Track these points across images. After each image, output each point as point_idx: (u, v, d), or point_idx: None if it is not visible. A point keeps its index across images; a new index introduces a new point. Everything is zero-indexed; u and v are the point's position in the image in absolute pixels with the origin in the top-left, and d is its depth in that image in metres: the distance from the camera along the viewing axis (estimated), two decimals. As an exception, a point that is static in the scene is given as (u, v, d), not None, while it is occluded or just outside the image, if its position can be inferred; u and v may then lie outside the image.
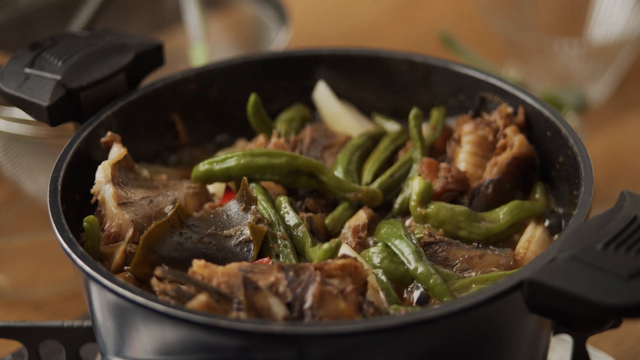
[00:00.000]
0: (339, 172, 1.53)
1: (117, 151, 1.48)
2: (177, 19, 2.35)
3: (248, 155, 1.48)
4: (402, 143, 1.61)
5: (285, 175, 1.48)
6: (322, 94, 1.68)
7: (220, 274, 1.27)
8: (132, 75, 1.60)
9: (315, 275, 1.25)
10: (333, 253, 1.31)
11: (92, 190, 1.44)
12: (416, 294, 1.36)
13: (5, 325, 1.55)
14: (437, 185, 1.49)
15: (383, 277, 1.37)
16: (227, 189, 1.53)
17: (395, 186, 1.54)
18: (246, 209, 1.41)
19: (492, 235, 1.46)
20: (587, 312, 1.16)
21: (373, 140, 1.61)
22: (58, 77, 1.53)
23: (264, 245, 1.39)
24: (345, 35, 2.69)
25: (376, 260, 1.39)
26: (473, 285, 1.35)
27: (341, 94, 1.69)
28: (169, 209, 1.38)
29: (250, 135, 1.65)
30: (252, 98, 1.62)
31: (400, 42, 2.63)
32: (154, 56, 1.63)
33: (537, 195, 1.51)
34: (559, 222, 1.49)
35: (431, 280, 1.34)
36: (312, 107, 1.70)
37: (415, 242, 1.39)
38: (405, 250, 1.38)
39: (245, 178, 1.43)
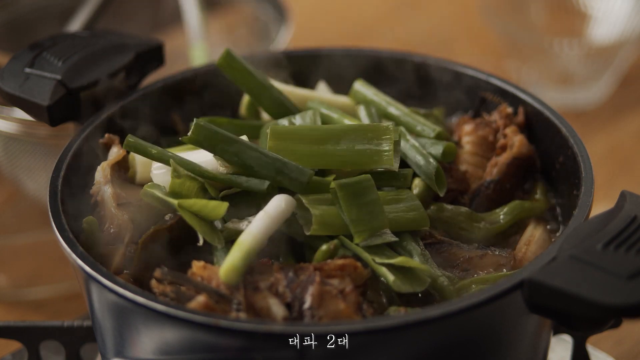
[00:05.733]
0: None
1: (116, 152, 1.48)
2: (177, 19, 2.35)
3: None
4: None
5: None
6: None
7: (220, 274, 1.27)
8: (132, 75, 1.60)
9: (314, 275, 1.25)
10: (332, 254, 1.31)
11: (91, 191, 1.44)
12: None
13: (5, 325, 1.55)
14: (437, 185, 1.49)
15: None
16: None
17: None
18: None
19: (493, 236, 1.46)
20: (587, 312, 1.16)
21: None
22: (58, 77, 1.53)
23: (264, 246, 1.39)
24: (345, 35, 2.69)
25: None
26: (473, 286, 1.35)
27: (341, 94, 1.69)
28: (169, 217, 1.38)
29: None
30: (246, 99, 1.62)
31: (400, 42, 2.63)
32: (154, 56, 1.64)
33: (537, 195, 1.51)
34: (559, 222, 1.49)
35: (438, 282, 1.34)
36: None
37: (421, 244, 1.39)
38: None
39: None
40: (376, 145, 1.39)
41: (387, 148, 1.39)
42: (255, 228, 1.30)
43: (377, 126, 1.41)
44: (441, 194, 1.45)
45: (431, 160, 1.44)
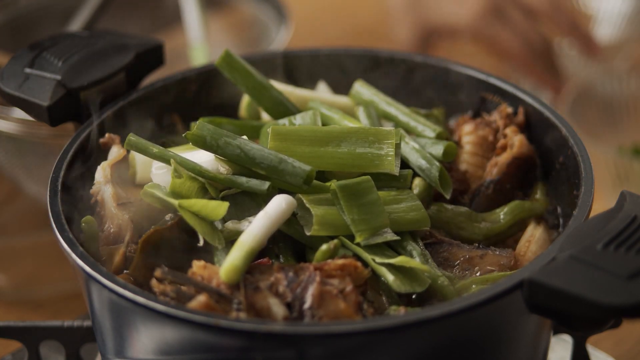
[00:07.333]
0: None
1: (116, 151, 1.48)
2: (177, 19, 2.35)
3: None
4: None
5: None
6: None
7: (220, 274, 1.27)
8: (132, 75, 1.60)
9: (314, 275, 1.25)
10: (332, 254, 1.31)
11: (91, 191, 1.44)
12: None
13: (5, 325, 1.55)
14: (437, 185, 1.49)
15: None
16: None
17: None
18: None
19: (493, 236, 1.46)
20: (587, 312, 1.16)
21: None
22: (58, 77, 1.53)
23: (264, 246, 1.39)
24: (345, 35, 2.69)
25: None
26: (473, 286, 1.35)
27: (341, 94, 1.69)
28: (170, 217, 1.38)
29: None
30: (246, 99, 1.62)
31: (400, 42, 2.63)
32: (154, 56, 1.64)
33: (537, 195, 1.51)
34: (559, 222, 1.49)
35: (439, 282, 1.34)
36: (312, 107, 1.70)
37: (421, 244, 1.39)
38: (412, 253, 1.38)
39: None
40: (377, 149, 1.39)
41: (388, 152, 1.39)
42: (255, 228, 1.30)
43: (378, 130, 1.41)
44: (447, 196, 1.45)
45: (435, 162, 1.44)
